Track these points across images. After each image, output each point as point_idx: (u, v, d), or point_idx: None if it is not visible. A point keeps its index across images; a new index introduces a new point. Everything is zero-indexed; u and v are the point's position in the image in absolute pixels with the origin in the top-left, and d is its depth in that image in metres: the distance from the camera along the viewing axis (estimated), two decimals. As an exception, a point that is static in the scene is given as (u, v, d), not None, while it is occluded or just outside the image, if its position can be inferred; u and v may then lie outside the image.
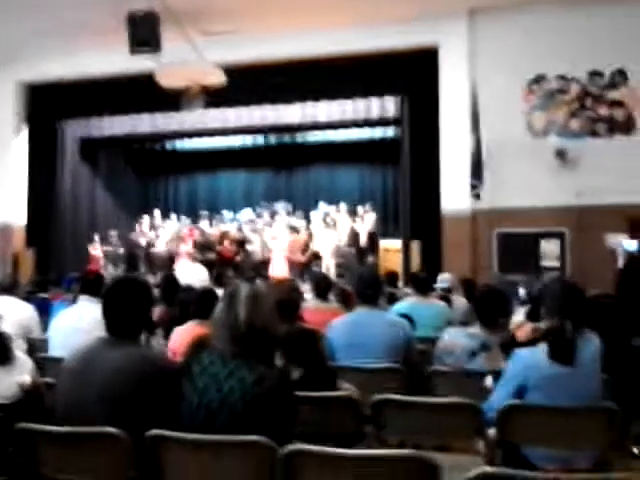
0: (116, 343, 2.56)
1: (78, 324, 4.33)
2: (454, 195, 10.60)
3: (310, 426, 2.71)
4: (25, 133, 13.14)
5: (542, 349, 2.83)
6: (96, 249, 13.99)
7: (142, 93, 11.75)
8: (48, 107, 13.04)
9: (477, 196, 10.22)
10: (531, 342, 3.05)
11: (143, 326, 2.70)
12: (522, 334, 3.48)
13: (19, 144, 13.02)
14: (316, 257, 13.27)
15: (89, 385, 2.45)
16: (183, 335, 4.05)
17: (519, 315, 5.07)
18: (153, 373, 2.49)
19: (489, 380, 3.18)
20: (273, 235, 13.87)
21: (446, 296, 6.59)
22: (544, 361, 2.78)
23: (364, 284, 4.09)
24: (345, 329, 3.98)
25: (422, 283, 5.76)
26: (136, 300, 2.64)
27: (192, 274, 8.28)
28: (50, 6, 9.85)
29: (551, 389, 2.76)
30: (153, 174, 17.97)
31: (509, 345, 3.24)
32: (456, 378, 3.66)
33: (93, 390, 2.45)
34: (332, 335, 4.00)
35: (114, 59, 10.81)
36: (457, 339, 3.75)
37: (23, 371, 2.59)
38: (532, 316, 4.47)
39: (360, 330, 3.92)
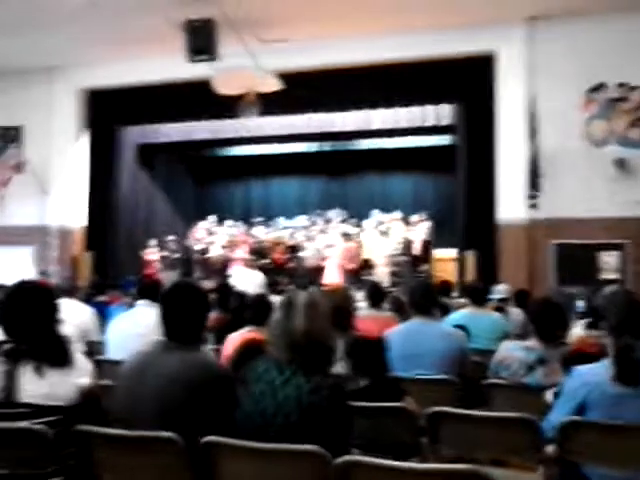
0: (173, 348, 2.58)
1: (135, 329, 4.40)
2: (510, 204, 10.44)
3: (366, 437, 2.70)
4: (86, 138, 13.41)
5: (604, 366, 2.75)
6: (152, 254, 14.20)
7: (199, 100, 11.90)
8: (108, 113, 13.29)
9: (534, 206, 10.04)
10: (592, 357, 2.96)
11: (200, 331, 2.72)
12: (582, 348, 3.39)
13: (80, 149, 13.30)
14: (368, 265, 13.25)
15: (145, 389, 2.49)
16: (236, 342, 4.06)
17: (577, 328, 4.97)
18: (208, 379, 2.51)
19: (549, 395, 3.10)
20: (327, 242, 13.88)
21: (502, 307, 6.50)
22: (606, 380, 2.69)
23: (418, 294, 4.05)
24: (399, 340, 3.94)
25: (478, 293, 5.68)
26: (194, 305, 2.66)
27: (248, 280, 8.36)
28: (110, 14, 10.05)
29: (613, 408, 2.67)
30: (209, 180, 18.20)
31: (570, 360, 3.15)
32: (513, 392, 3.59)
33: (149, 394, 2.48)
34: (387, 345, 3.96)
35: (172, 66, 10.96)
36: (513, 352, 3.68)
37: (82, 374, 2.62)
38: (593, 327, 4.39)
39: (414, 341, 3.89)
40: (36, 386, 2.50)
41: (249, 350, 2.96)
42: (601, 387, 2.70)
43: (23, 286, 2.75)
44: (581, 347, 3.79)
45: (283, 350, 2.42)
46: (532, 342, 3.69)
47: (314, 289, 6.36)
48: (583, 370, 2.80)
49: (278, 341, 2.44)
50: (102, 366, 4.32)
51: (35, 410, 2.49)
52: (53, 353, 2.59)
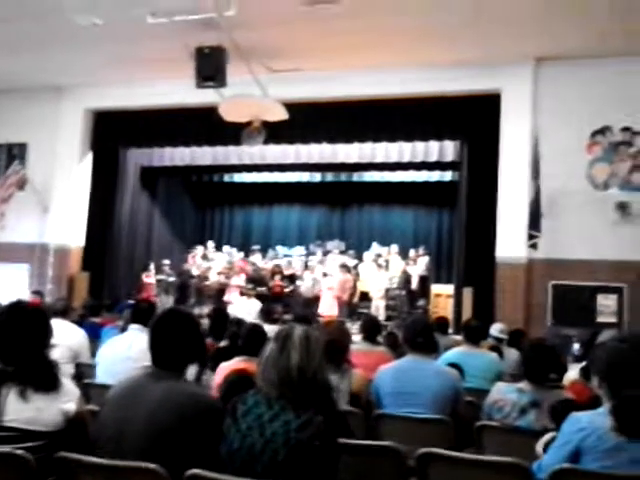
0: (160, 376, 2.54)
1: (127, 352, 4.35)
2: (510, 243, 10.42)
3: (353, 476, 2.65)
4: (89, 158, 13.45)
5: (602, 414, 2.69)
6: (149, 277, 14.17)
7: (204, 125, 11.98)
8: (113, 134, 13.35)
9: (534, 246, 10.03)
10: (588, 405, 2.91)
11: (189, 360, 2.69)
12: (577, 395, 3.34)
13: (83, 169, 13.33)
14: (365, 298, 13.22)
15: (132, 417, 2.44)
16: (227, 371, 4.01)
17: (573, 371, 4.92)
18: (195, 409, 2.46)
19: (539, 446, 3.03)
20: (324, 273, 13.86)
21: (497, 347, 6.45)
22: (604, 427, 2.64)
23: (414, 331, 4.01)
24: (393, 377, 3.90)
25: (474, 332, 5.63)
26: (183, 333, 2.62)
27: (245, 308, 8.30)
28: (121, 36, 10.14)
29: (610, 458, 2.62)
30: (210, 205, 18.23)
31: (562, 408, 3.10)
32: (505, 435, 3.54)
33: (135, 423, 2.43)
34: (379, 382, 3.93)
35: (179, 90, 11.04)
36: (506, 394, 3.63)
37: (69, 399, 2.58)
38: (587, 374, 4.33)
39: (408, 379, 3.84)
40: (20, 410, 2.46)
41: (238, 382, 2.92)
42: (598, 433, 2.65)
43: (15, 307, 2.72)
44: (573, 393, 3.74)
45: (274, 384, 2.37)
46: (524, 384, 3.65)
47: (312, 323, 6.33)
48: (580, 416, 2.75)
49: (269, 375, 2.39)
50: (91, 390, 4.28)
51: (18, 434, 2.44)
52: (39, 377, 2.55)
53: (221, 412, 2.48)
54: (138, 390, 2.51)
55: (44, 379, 2.57)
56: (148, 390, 2.48)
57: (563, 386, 4.25)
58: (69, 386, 2.64)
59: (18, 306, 2.73)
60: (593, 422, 2.67)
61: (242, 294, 11.05)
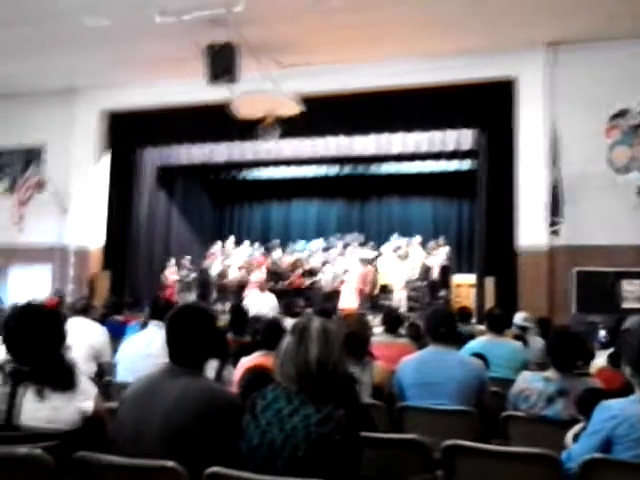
0: (178, 373, 2.50)
1: (147, 350, 4.32)
2: (531, 230, 10.31)
3: (377, 470, 2.59)
4: (106, 159, 13.49)
5: (635, 402, 2.61)
6: (170, 274, 14.18)
7: (219, 122, 11.93)
8: (128, 134, 13.38)
9: (555, 232, 9.90)
10: (619, 393, 2.82)
11: (206, 355, 2.64)
12: (606, 382, 3.26)
13: (100, 169, 13.37)
14: (386, 290, 13.13)
15: (149, 416, 2.40)
16: (249, 365, 3.97)
17: (600, 358, 4.83)
18: (213, 406, 2.42)
19: (569, 437, 2.95)
20: (344, 266, 13.79)
21: (522, 335, 6.36)
22: (638, 418, 2.56)
23: (436, 321, 3.94)
24: (415, 368, 3.83)
25: (497, 321, 5.55)
26: (199, 329, 2.58)
27: (262, 303, 8.27)
28: (132, 37, 10.15)
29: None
30: (228, 202, 18.21)
31: (591, 397, 3.01)
32: (532, 425, 3.46)
33: (152, 421, 2.39)
34: (401, 374, 3.86)
35: (192, 88, 11.01)
36: (532, 383, 3.55)
37: (86, 398, 2.55)
38: (614, 361, 4.24)
39: (431, 369, 3.77)
40: (37, 409, 2.44)
41: (257, 377, 2.87)
42: (630, 422, 2.57)
43: (29, 307, 2.70)
44: (602, 381, 3.65)
45: (292, 379, 2.31)
46: (551, 373, 3.57)
47: (332, 315, 6.28)
48: (611, 403, 2.67)
49: (288, 369, 2.34)
50: (111, 388, 4.26)
51: (35, 434, 2.41)
52: (56, 376, 2.53)
53: (240, 408, 2.43)
54: (155, 388, 2.47)
55: (60, 378, 2.54)
56: (165, 388, 2.44)
57: (590, 374, 4.17)
58: (86, 385, 2.61)
59: (29, 307, 2.71)
60: (625, 410, 2.59)
61: (260, 289, 10.98)
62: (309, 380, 2.29)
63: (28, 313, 2.65)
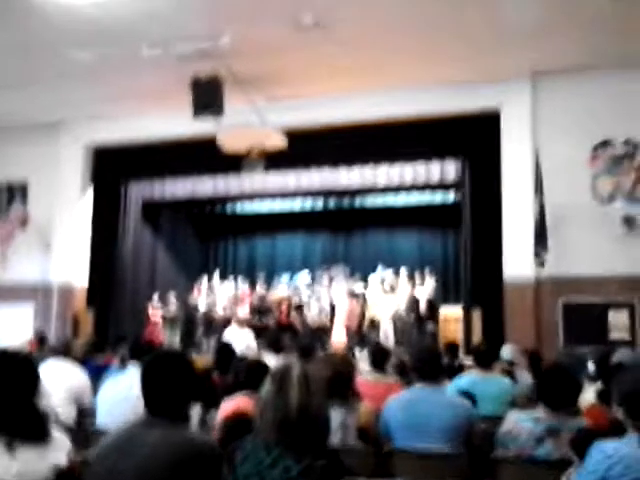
0: (154, 423, 2.40)
1: (127, 392, 4.21)
2: (517, 262, 10.28)
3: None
4: (90, 194, 13.39)
5: (628, 443, 2.54)
6: (154, 311, 14.03)
7: (204, 156, 11.90)
8: (113, 168, 13.31)
9: (541, 264, 9.88)
10: (609, 432, 2.76)
11: (184, 403, 2.54)
12: (595, 420, 3.19)
13: (84, 204, 13.27)
14: (373, 324, 13.06)
15: (123, 469, 2.30)
16: (229, 408, 3.88)
17: (589, 393, 4.76)
18: (190, 457, 2.32)
19: None
20: (331, 300, 13.71)
21: (510, 370, 6.29)
22: (633, 458, 2.49)
23: (422, 359, 3.86)
24: (402, 408, 3.75)
25: (484, 356, 5.49)
26: (175, 379, 2.48)
27: (239, 339, 8.12)
28: (117, 70, 10.13)
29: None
30: (213, 236, 18.12)
31: (584, 437, 2.94)
32: (522, 466, 3.38)
33: (128, 474, 2.29)
34: (388, 414, 3.77)
35: (177, 122, 11.01)
36: (521, 423, 3.48)
37: (59, 451, 2.45)
38: (604, 398, 4.17)
39: (418, 410, 3.68)
40: (7, 464, 2.33)
41: (237, 425, 2.77)
42: (625, 462, 2.50)
43: (1, 357, 2.60)
44: (591, 418, 3.57)
45: (272, 427, 2.22)
46: (540, 412, 3.50)
47: (313, 352, 6.19)
48: (606, 444, 2.61)
49: (267, 418, 2.25)
50: (91, 434, 4.14)
51: (5, 491, 2.31)
52: (28, 427, 2.43)
53: (219, 457, 2.34)
54: (130, 440, 2.37)
55: (33, 430, 2.44)
56: (140, 439, 2.34)
57: (580, 410, 4.09)
58: (59, 438, 2.51)
59: (3, 357, 2.61)
60: (619, 450, 2.53)
61: (240, 325, 10.83)
62: (289, 428, 2.21)
63: (0, 362, 2.55)
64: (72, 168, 13.22)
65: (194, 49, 9.00)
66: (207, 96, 9.69)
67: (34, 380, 2.59)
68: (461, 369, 5.99)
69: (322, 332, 13.33)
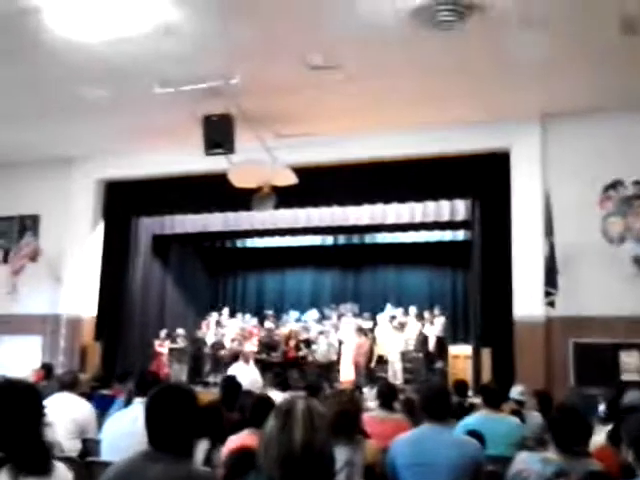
0: (157, 457, 2.38)
1: (132, 427, 4.17)
2: (527, 301, 10.23)
3: None
4: (101, 228, 13.48)
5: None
6: (162, 346, 13.99)
7: (214, 192, 11.98)
8: (124, 204, 13.40)
9: (551, 304, 9.82)
10: (619, 476, 2.72)
11: (189, 439, 2.52)
12: (605, 462, 3.14)
13: (94, 238, 13.35)
14: (382, 361, 12.97)
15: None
16: (235, 445, 3.84)
17: (599, 435, 4.69)
18: None
19: None
20: (340, 337, 13.66)
21: (519, 410, 6.22)
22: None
23: (430, 399, 3.82)
24: (409, 447, 3.70)
25: (493, 396, 5.42)
26: (179, 413, 2.46)
27: (244, 375, 8.07)
28: (129, 108, 10.26)
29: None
30: (222, 271, 18.17)
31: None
32: (530, 508, 3.33)
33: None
34: (395, 453, 3.72)
35: (188, 159, 11.10)
36: (530, 464, 3.42)
37: (61, 483, 2.43)
38: (614, 440, 4.12)
39: (425, 449, 3.63)
40: (10, 496, 2.31)
41: (241, 460, 2.74)
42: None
43: (5, 387, 2.58)
44: (601, 460, 3.51)
45: (275, 464, 2.18)
46: (550, 453, 3.45)
47: (320, 390, 6.15)
48: None
49: (270, 453, 2.21)
50: (94, 468, 4.11)
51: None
52: (33, 459, 2.41)
53: (223, 494, 2.32)
54: (132, 473, 2.35)
55: (37, 462, 2.42)
56: (143, 474, 2.32)
57: (590, 452, 4.03)
58: (61, 470, 2.49)
59: (6, 386, 2.60)
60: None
61: (245, 361, 10.77)
62: (293, 465, 2.17)
63: (4, 393, 2.53)
64: (83, 202, 13.33)
65: (205, 88, 9.10)
66: (218, 134, 9.78)
67: (38, 410, 2.56)
68: (472, 409, 5.91)
69: (330, 369, 13.24)
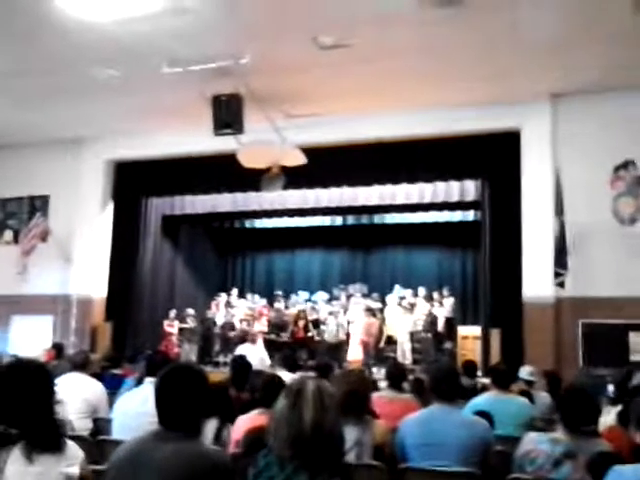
0: (167, 437, 2.39)
1: (142, 407, 4.20)
2: (536, 281, 10.21)
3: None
4: (110, 208, 13.52)
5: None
6: (171, 326, 14.06)
7: (224, 172, 11.98)
8: (133, 184, 13.43)
9: (561, 284, 9.80)
10: (629, 456, 2.72)
11: (199, 418, 2.54)
12: (615, 443, 3.13)
13: (104, 219, 13.39)
14: (390, 342, 12.99)
15: (138, 481, 2.30)
16: (246, 425, 3.86)
17: (609, 416, 4.69)
18: (203, 471, 2.31)
19: None
20: (349, 318, 13.68)
21: (528, 391, 6.22)
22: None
23: (439, 379, 3.83)
24: (418, 427, 3.71)
25: (502, 376, 5.41)
26: (189, 392, 2.47)
27: (253, 355, 8.08)
28: (138, 88, 10.24)
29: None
30: (232, 251, 18.18)
31: (602, 461, 2.89)
32: (538, 488, 3.33)
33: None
34: (403, 433, 3.74)
35: (197, 139, 11.09)
36: (539, 445, 3.43)
37: (72, 462, 2.45)
38: (623, 420, 4.12)
39: (434, 429, 3.64)
40: (22, 474, 2.33)
41: (259, 440, 2.73)
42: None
43: (14, 367, 2.61)
44: (610, 441, 3.51)
45: (286, 443, 2.20)
46: (559, 434, 3.45)
47: (331, 370, 6.16)
48: (623, 469, 2.56)
49: (281, 433, 2.22)
50: (105, 446, 4.14)
51: (18, 502, 2.31)
52: (46, 436, 2.43)
53: (232, 473, 2.33)
54: (143, 453, 2.36)
55: (50, 440, 2.44)
56: (153, 453, 2.34)
57: (599, 433, 4.04)
58: (73, 448, 2.51)
59: (17, 366, 2.62)
60: (637, 475, 2.49)
61: (252, 342, 10.80)
62: (303, 445, 2.18)
63: (16, 372, 2.56)
64: (93, 183, 13.37)
65: (215, 67, 9.06)
66: (227, 114, 9.75)
67: (49, 389, 2.59)
68: (483, 390, 5.90)
69: (338, 349, 13.28)
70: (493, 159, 11.09)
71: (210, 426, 4.06)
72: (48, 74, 9.90)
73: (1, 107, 11.40)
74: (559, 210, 9.93)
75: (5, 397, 2.47)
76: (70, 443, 2.52)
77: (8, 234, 14.12)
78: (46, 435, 2.45)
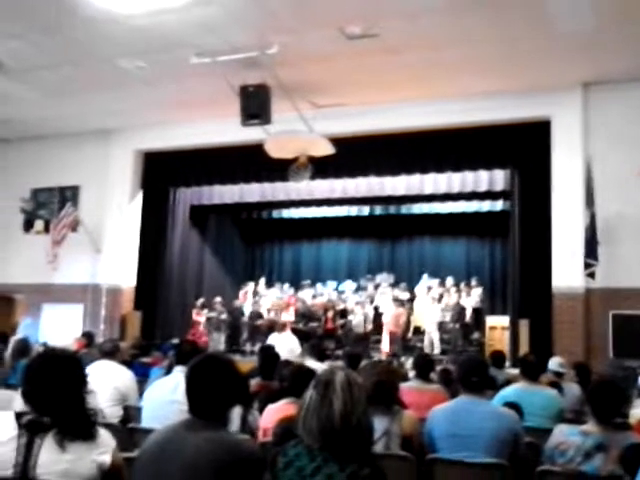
0: (198, 426, 2.41)
1: (172, 396, 4.24)
2: (566, 272, 10.12)
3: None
4: (139, 198, 13.63)
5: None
6: (200, 314, 14.15)
7: (251, 163, 12.04)
8: (162, 174, 13.54)
9: (591, 275, 9.69)
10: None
11: (228, 406, 2.56)
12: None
13: (133, 209, 13.51)
14: (418, 332, 12.97)
15: (167, 471, 2.31)
16: (274, 414, 3.88)
17: (639, 408, 4.65)
18: (234, 461, 2.32)
19: None
20: (376, 307, 13.66)
21: (557, 382, 6.16)
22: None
23: (468, 371, 3.80)
24: (446, 418, 3.69)
25: (532, 367, 5.36)
26: (220, 382, 2.49)
27: (281, 344, 8.10)
28: (167, 78, 10.31)
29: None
30: (259, 241, 18.25)
31: (634, 453, 2.87)
32: (569, 481, 3.31)
33: (171, 477, 2.31)
34: (432, 424, 3.72)
35: (226, 129, 11.14)
36: (569, 437, 3.40)
37: (104, 450, 2.48)
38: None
39: (462, 420, 3.62)
40: (54, 461, 2.36)
41: (288, 431, 2.74)
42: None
43: (46, 356, 2.65)
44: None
45: (315, 434, 2.20)
46: (590, 426, 3.41)
47: (361, 359, 6.16)
48: None
49: (310, 424, 2.22)
50: (135, 434, 4.18)
51: (51, 488, 2.34)
52: (78, 426, 2.46)
53: (262, 462, 2.34)
54: (174, 442, 2.38)
55: (82, 428, 2.47)
56: (184, 442, 2.35)
57: (630, 425, 3.99)
58: (105, 436, 2.54)
59: (49, 355, 2.66)
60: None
61: (280, 331, 10.82)
62: (333, 436, 2.18)
63: (47, 361, 2.59)
64: (122, 173, 13.50)
65: (242, 58, 9.08)
66: (255, 104, 9.78)
67: (80, 377, 2.62)
68: (507, 384, 5.85)
69: (366, 339, 13.28)
70: (523, 148, 10.98)
71: (235, 413, 4.09)
72: (77, 66, 10.00)
73: (31, 99, 11.53)
74: (589, 200, 9.82)
75: (38, 386, 2.50)
76: (102, 431, 2.55)
77: (39, 224, 14.31)
78: (78, 423, 2.48)
